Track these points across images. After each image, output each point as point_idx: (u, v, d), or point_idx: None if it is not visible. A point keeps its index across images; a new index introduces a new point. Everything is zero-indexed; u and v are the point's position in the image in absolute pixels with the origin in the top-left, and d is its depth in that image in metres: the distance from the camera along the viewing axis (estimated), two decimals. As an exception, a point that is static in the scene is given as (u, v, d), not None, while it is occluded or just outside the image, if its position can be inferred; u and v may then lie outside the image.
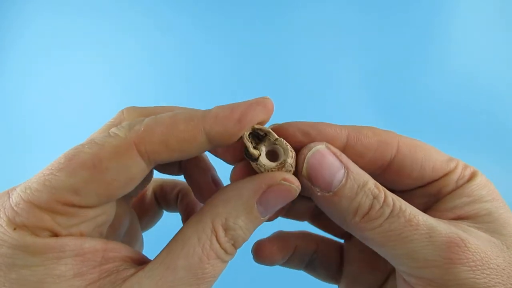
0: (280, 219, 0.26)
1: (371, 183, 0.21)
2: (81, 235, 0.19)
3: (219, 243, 0.20)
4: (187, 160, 0.25)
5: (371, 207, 0.20)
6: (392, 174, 0.23)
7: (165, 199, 0.32)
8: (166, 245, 0.20)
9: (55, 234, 0.18)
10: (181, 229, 0.21)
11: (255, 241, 0.27)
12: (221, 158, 0.24)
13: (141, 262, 0.21)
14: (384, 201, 0.20)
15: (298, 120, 0.23)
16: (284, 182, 0.21)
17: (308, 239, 0.29)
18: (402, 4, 0.84)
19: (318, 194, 0.21)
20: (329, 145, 0.21)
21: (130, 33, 0.88)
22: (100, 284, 0.18)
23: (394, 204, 0.20)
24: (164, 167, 0.28)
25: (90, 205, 0.19)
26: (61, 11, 0.90)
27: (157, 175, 0.27)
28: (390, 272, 0.27)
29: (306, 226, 0.30)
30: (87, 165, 0.18)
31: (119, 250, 0.20)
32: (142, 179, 0.20)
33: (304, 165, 0.21)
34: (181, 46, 0.85)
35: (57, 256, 0.18)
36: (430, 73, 0.81)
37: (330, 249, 0.29)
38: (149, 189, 0.32)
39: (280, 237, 0.28)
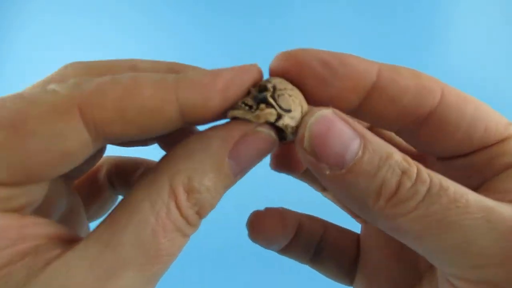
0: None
1: (398, 155, 0.15)
2: None
3: (180, 210, 0.15)
4: None
5: (399, 184, 0.15)
6: (428, 133, 0.18)
7: (124, 181, 0.25)
8: (107, 215, 0.15)
9: None
10: (127, 193, 0.16)
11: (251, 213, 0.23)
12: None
13: (73, 241, 0.15)
14: (418, 176, 0.15)
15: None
16: (262, 129, 0.17)
17: (315, 220, 0.24)
18: (402, 4, 0.84)
19: (327, 173, 0.16)
20: (337, 111, 0.16)
21: (130, 32, 0.88)
22: (10, 271, 0.13)
23: (432, 180, 0.15)
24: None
25: None
26: (61, 10, 0.90)
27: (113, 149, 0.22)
28: (425, 270, 0.21)
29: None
30: (3, 123, 0.13)
31: (41, 225, 0.15)
32: (84, 158, 0.15)
33: (306, 134, 0.16)
34: (181, 46, 0.85)
35: None
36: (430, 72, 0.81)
37: (342, 238, 0.24)
38: (102, 170, 0.25)
39: (282, 211, 0.23)
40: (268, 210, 0.23)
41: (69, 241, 0.15)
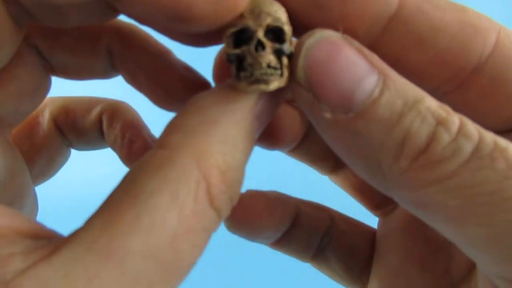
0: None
1: (431, 100, 0.11)
2: None
3: (211, 200, 0.11)
4: (118, 49, 0.16)
5: (432, 138, 0.10)
6: (475, 94, 0.13)
7: (75, 128, 0.20)
8: (99, 209, 0.11)
9: None
10: (127, 176, 0.11)
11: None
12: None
13: (41, 237, 0.11)
14: (461, 129, 0.10)
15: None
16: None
17: (319, 209, 0.20)
18: None
19: (327, 116, 0.11)
20: (350, 38, 0.12)
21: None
22: None
23: (482, 136, 0.10)
24: (76, 64, 0.16)
25: None
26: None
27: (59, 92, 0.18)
28: (459, 280, 0.16)
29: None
30: None
31: None
32: None
33: (301, 61, 0.12)
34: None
35: None
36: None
37: (353, 233, 0.20)
38: (45, 114, 0.19)
39: (272, 194, 0.19)
40: (250, 192, 0.18)
41: (36, 238, 0.10)
